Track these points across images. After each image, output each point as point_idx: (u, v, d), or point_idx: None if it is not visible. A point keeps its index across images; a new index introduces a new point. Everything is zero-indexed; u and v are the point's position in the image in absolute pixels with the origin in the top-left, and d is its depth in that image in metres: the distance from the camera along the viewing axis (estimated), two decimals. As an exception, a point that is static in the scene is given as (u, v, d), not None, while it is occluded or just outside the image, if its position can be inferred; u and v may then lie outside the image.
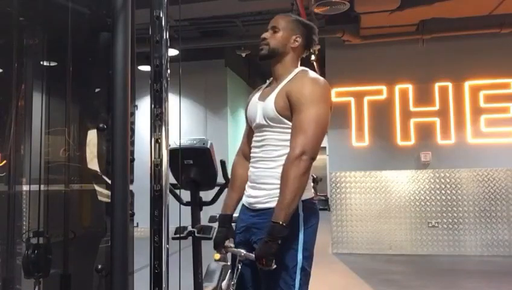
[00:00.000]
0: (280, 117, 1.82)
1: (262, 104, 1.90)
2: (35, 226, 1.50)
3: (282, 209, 1.70)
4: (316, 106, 1.77)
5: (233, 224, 2.07)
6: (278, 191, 1.77)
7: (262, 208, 1.85)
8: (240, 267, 1.91)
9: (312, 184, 1.90)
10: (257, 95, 2.01)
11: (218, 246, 1.99)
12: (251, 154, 1.96)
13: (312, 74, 1.88)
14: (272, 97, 1.86)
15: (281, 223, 1.68)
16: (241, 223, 1.96)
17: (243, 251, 1.83)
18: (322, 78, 1.87)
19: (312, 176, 1.92)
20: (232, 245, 1.96)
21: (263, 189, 1.86)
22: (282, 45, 1.91)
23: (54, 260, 1.47)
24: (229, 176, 2.59)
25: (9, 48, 1.69)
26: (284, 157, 1.80)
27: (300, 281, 1.77)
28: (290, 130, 1.82)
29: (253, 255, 1.73)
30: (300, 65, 1.97)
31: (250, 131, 2.04)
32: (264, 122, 1.87)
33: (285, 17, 1.96)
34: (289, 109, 1.81)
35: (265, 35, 1.94)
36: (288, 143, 1.81)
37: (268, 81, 2.03)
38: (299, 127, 1.76)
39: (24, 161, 1.67)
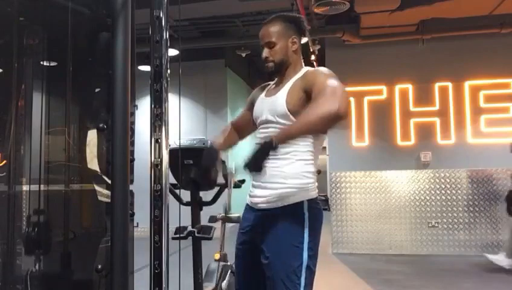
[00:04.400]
0: (289, 113, 1.82)
1: (270, 100, 1.91)
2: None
3: (285, 132, 1.66)
4: (339, 84, 1.69)
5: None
6: (285, 191, 1.77)
7: (268, 207, 1.85)
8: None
9: (316, 184, 1.90)
10: (263, 92, 2.02)
11: (214, 159, 2.05)
12: None
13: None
14: (283, 93, 1.86)
15: (274, 141, 1.61)
16: (246, 222, 1.95)
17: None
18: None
19: None
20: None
21: (269, 188, 1.86)
22: (285, 54, 1.92)
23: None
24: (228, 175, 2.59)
25: (9, 48, 1.69)
26: (290, 155, 1.81)
27: (306, 280, 1.78)
28: None
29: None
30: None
31: (247, 115, 2.12)
32: (272, 118, 1.88)
33: (273, 26, 1.92)
34: (303, 104, 1.77)
35: (266, 54, 1.92)
36: (294, 141, 1.81)
37: (275, 80, 2.03)
38: (331, 92, 1.63)
39: (24, 161, 1.66)
